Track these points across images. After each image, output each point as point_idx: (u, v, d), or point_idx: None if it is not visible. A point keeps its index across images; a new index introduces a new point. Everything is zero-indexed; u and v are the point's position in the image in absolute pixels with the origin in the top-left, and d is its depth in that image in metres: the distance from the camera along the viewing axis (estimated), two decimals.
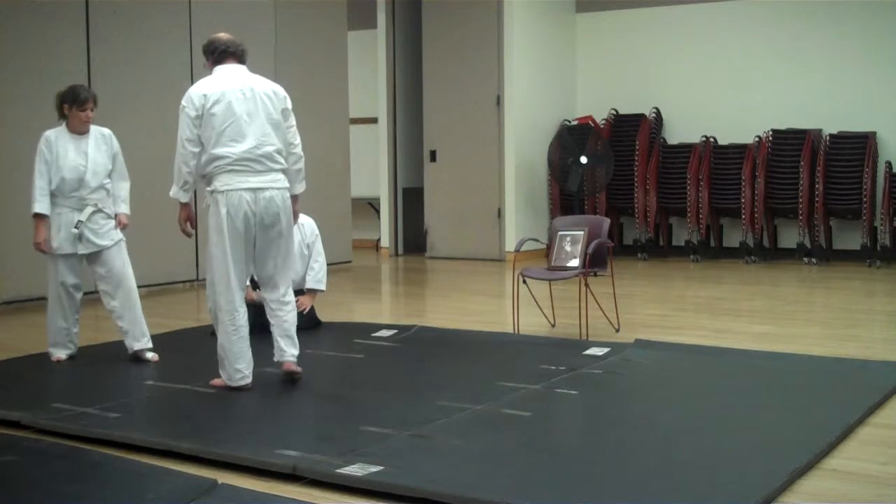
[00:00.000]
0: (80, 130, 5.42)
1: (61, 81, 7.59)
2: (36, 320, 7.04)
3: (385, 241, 11.30)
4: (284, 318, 4.85)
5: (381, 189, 11.24)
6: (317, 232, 6.33)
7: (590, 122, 10.60)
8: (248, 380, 4.77)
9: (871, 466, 3.62)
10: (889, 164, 9.24)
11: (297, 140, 4.90)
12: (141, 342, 5.51)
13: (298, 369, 4.85)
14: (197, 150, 4.68)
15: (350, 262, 10.19)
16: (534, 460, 3.70)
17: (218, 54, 4.84)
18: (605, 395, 4.82)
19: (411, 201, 11.21)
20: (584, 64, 11.11)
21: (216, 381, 4.85)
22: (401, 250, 11.30)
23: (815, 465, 3.57)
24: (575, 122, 10.72)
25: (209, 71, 4.88)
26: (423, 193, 11.00)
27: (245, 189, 4.66)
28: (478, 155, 10.58)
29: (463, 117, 10.64)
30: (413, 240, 11.23)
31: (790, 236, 9.82)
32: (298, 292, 5.92)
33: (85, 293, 5.70)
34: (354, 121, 10.70)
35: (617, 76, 10.88)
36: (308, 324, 6.14)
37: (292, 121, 4.88)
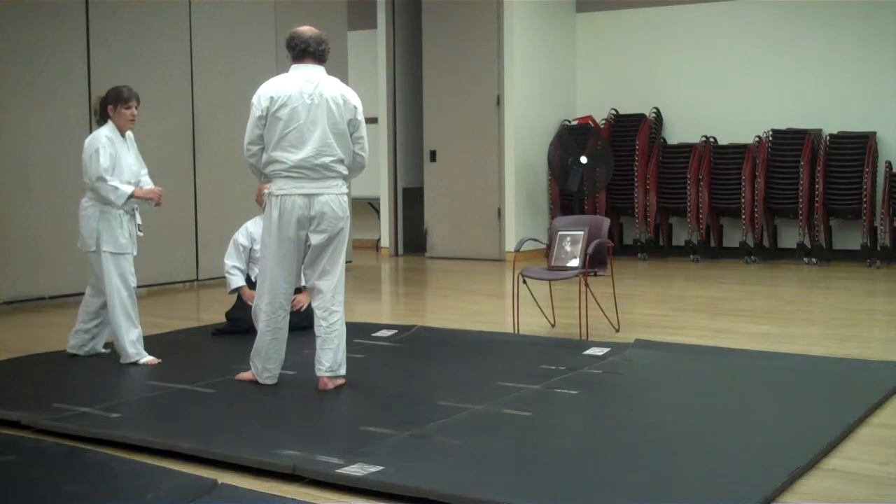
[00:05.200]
0: (123, 131, 5.45)
1: (62, 82, 7.66)
2: (36, 320, 7.05)
3: (385, 241, 11.31)
4: (327, 326, 4.70)
5: (381, 189, 11.24)
6: None
7: (590, 122, 10.61)
8: (274, 380, 4.81)
9: (871, 466, 3.62)
10: (889, 164, 9.24)
11: (365, 153, 4.77)
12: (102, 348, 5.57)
13: (336, 384, 4.75)
14: (256, 148, 4.66)
15: (350, 262, 10.18)
16: (534, 460, 3.70)
17: (298, 52, 4.71)
18: (605, 395, 4.82)
19: (411, 201, 11.22)
20: (584, 64, 11.11)
21: (244, 375, 4.88)
22: (401, 250, 11.31)
23: (815, 465, 3.57)
24: (575, 122, 10.72)
25: (289, 65, 4.77)
26: (423, 193, 11.00)
27: (299, 194, 4.61)
28: (478, 155, 10.59)
29: (463, 117, 10.64)
30: (413, 240, 11.23)
31: (790, 236, 9.82)
32: (296, 290, 5.92)
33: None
34: None
35: (617, 76, 10.88)
36: (309, 322, 6.13)
37: (361, 131, 4.74)
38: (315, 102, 4.62)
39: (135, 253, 5.46)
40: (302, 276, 4.92)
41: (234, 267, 6.19)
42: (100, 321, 5.53)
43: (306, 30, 4.77)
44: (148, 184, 5.53)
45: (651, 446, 3.87)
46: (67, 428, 4.11)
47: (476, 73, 10.55)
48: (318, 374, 4.74)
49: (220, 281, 7.18)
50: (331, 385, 4.73)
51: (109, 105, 5.42)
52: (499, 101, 10.44)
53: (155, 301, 7.88)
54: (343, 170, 4.71)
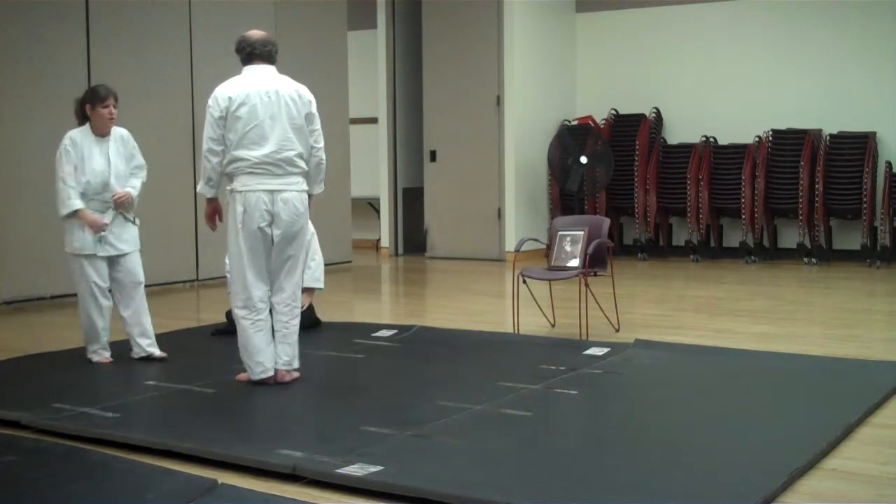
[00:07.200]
0: (103, 131, 5.39)
1: (62, 82, 7.65)
2: (36, 320, 7.05)
3: (385, 241, 11.31)
4: (287, 322, 4.82)
5: (381, 189, 11.24)
6: (312, 230, 6.33)
7: (590, 122, 10.60)
8: (270, 373, 4.82)
9: (871, 466, 3.62)
10: (889, 164, 9.24)
11: (321, 143, 4.91)
12: (151, 349, 5.51)
13: (293, 377, 4.85)
14: (220, 148, 4.73)
15: (350, 262, 10.19)
16: (534, 460, 3.70)
17: (245, 55, 4.85)
18: (605, 395, 4.82)
19: (411, 201, 11.22)
20: (584, 64, 11.10)
21: (241, 376, 4.90)
22: (401, 250, 11.31)
23: (815, 465, 3.57)
24: (575, 122, 10.72)
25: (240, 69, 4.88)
26: (423, 193, 11.00)
27: (263, 190, 4.70)
28: (478, 155, 10.59)
29: (463, 117, 10.64)
30: (413, 240, 11.23)
31: (790, 236, 9.82)
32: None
33: None
34: (354, 121, 10.70)
35: (617, 76, 10.87)
36: (308, 323, 6.13)
37: (316, 125, 4.88)
38: (272, 99, 4.74)
39: (99, 253, 5.36)
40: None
41: None
42: (128, 324, 5.48)
43: (253, 33, 4.92)
44: (135, 187, 5.47)
45: (651, 446, 3.87)
46: (67, 428, 4.12)
47: (476, 73, 10.55)
48: (277, 366, 4.82)
49: (221, 281, 7.18)
50: (287, 378, 4.83)
51: (87, 105, 5.38)
52: (499, 101, 10.44)
53: (155, 301, 7.85)
54: (303, 165, 4.82)
